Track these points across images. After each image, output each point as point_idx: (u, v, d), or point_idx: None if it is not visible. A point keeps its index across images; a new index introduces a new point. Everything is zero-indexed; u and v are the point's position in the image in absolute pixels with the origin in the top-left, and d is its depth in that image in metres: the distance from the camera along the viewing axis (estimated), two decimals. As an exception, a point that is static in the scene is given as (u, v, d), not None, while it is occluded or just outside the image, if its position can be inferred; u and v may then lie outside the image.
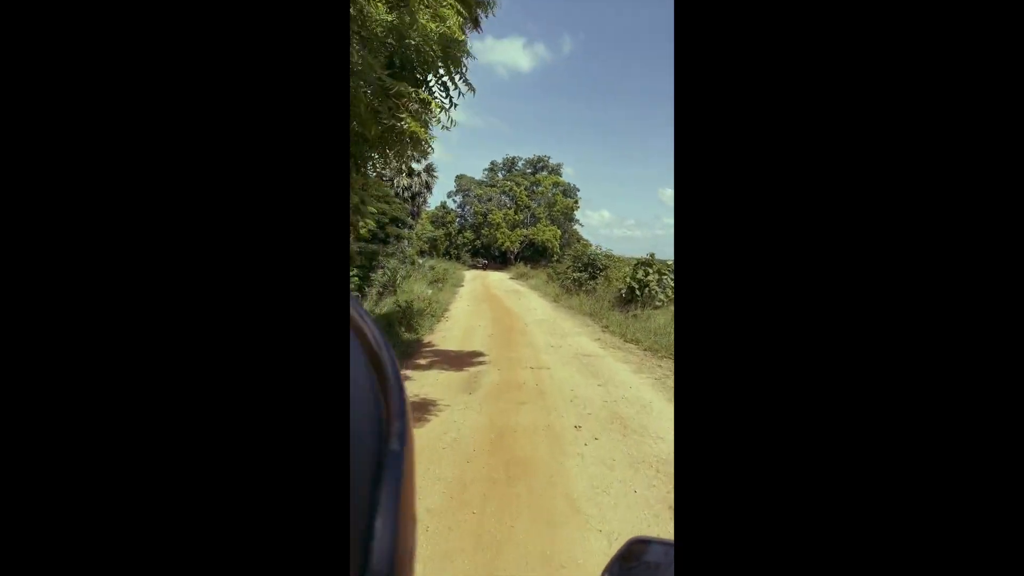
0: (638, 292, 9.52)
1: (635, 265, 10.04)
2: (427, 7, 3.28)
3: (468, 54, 3.68)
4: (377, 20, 3.02)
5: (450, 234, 31.32)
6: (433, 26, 3.23)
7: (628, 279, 9.87)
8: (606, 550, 2.13)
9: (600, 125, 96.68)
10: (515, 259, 29.54)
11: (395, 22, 3.08)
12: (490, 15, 4.34)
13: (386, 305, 9.51)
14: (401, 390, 0.22)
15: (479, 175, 34.24)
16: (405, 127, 3.40)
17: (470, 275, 22.56)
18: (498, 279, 21.22)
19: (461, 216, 32.87)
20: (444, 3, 3.36)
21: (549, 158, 33.90)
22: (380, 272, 12.59)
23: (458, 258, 30.22)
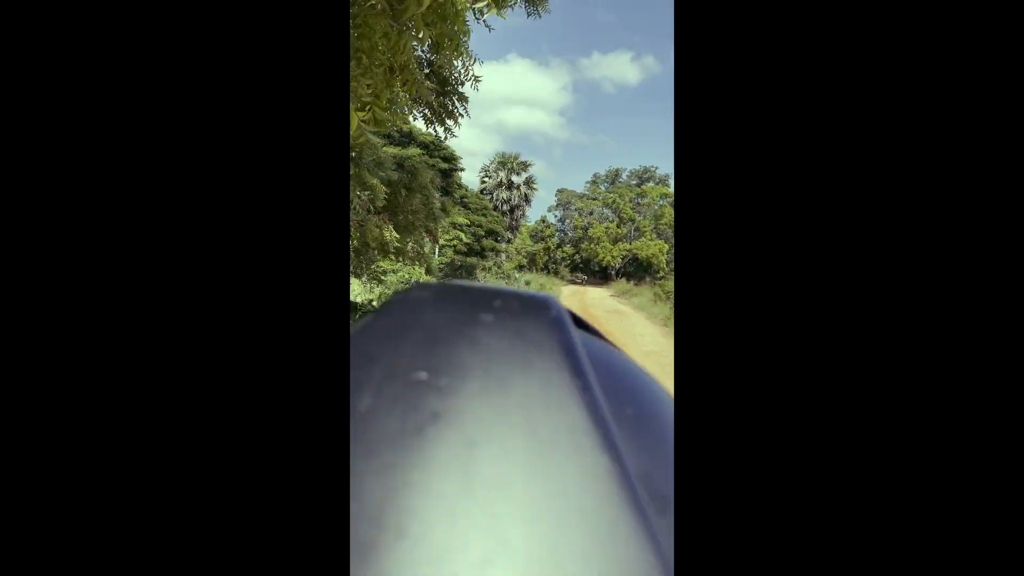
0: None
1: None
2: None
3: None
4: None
5: (549, 248, 30.62)
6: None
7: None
8: None
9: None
10: (616, 275, 28.03)
11: None
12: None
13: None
14: None
15: (581, 189, 33.30)
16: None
17: (568, 291, 21.53)
18: (597, 296, 19.90)
19: (561, 230, 32.08)
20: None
21: (656, 168, 32.00)
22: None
23: (556, 273, 29.40)
